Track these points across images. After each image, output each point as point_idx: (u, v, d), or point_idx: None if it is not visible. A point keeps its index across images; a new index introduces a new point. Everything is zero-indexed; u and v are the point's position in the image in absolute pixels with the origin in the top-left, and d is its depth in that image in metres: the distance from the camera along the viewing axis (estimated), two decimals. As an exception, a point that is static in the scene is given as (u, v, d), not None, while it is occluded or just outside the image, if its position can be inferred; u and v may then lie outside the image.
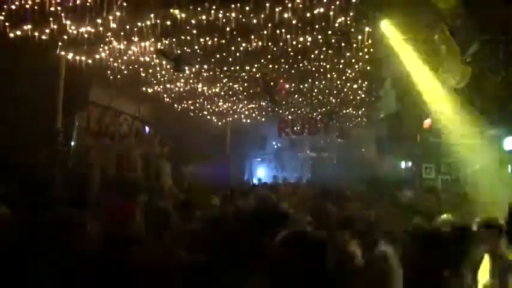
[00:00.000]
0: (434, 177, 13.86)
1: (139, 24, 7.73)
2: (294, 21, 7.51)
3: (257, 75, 11.18)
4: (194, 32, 8.08)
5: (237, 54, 9.22)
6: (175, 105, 14.68)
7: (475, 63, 7.90)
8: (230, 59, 9.67)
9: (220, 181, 13.73)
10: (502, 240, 4.25)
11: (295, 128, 17.38)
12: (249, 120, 17.36)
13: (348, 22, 7.52)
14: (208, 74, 11.23)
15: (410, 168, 15.63)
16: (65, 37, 8.10)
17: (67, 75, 9.53)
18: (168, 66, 10.29)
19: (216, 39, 8.47)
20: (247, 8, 7.16)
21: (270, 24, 7.67)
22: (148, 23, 7.66)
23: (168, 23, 7.66)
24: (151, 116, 15.13)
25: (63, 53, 9.04)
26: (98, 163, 10.58)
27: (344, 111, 15.78)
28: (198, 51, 9.03)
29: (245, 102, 14.59)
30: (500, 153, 10.19)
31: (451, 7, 7.10)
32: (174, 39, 8.58)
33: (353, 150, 19.35)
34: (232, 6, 7.14)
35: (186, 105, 14.82)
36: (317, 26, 7.77)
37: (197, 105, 14.85)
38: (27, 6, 6.83)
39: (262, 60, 9.95)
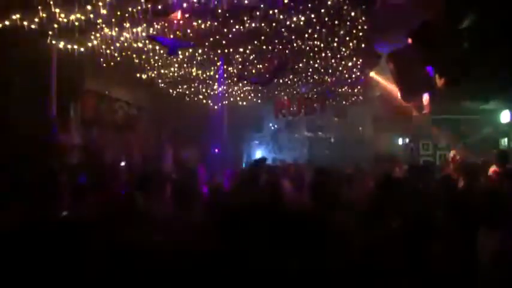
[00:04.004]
0: (432, 153, 13.92)
1: (130, 9, 7.63)
2: (286, 1, 7.43)
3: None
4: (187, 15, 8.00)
5: (230, 36, 9.14)
6: (171, 90, 14.61)
7: (471, 36, 7.86)
8: (224, 42, 9.60)
9: (220, 164, 13.77)
10: None
11: (291, 109, 17.32)
12: (245, 103, 17.31)
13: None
14: (202, 58, 11.14)
15: (408, 145, 15.68)
16: (55, 26, 8.01)
17: (60, 64, 9.44)
18: (162, 51, 10.21)
19: (208, 22, 8.38)
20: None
21: (262, 5, 7.58)
22: (139, 7, 7.56)
23: (160, 7, 7.57)
24: (147, 101, 15.06)
25: (54, 42, 8.95)
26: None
27: (340, 90, 15.71)
28: (191, 34, 8.94)
29: (240, 84, 14.50)
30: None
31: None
32: (166, 24, 8.47)
33: (350, 129, 19.38)
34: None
35: (181, 90, 14.75)
36: (309, 5, 7.69)
37: (192, 89, 14.79)
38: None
39: (256, 42, 9.86)
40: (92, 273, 2.79)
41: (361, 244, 3.31)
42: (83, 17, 7.70)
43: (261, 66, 11.95)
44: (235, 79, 13.46)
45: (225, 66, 12.07)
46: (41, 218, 3.26)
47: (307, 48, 10.37)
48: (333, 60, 11.71)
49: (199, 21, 8.37)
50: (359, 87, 15.24)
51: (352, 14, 8.18)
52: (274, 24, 8.53)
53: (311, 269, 2.49)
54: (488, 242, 3.74)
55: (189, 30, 8.70)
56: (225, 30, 8.88)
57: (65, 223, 3.16)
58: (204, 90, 15.06)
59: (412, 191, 5.49)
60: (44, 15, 7.46)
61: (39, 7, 7.20)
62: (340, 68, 12.59)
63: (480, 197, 4.53)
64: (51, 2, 7.08)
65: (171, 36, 9.03)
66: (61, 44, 9.10)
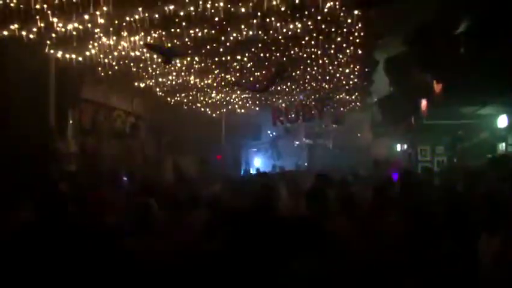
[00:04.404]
0: (430, 159, 13.94)
1: (127, 18, 7.66)
2: (282, 8, 7.46)
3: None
4: (183, 23, 8.02)
5: (228, 44, 9.17)
6: (169, 99, 14.64)
7: (468, 41, 7.89)
8: (221, 50, 9.63)
9: (217, 172, 13.80)
10: None
11: (289, 116, 17.35)
12: (243, 110, 17.34)
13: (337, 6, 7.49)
14: (200, 66, 11.16)
15: (406, 151, 15.70)
16: (53, 35, 8.04)
17: (58, 73, 9.46)
18: (159, 60, 10.22)
19: (205, 30, 8.40)
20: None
21: (259, 13, 7.61)
22: (136, 16, 7.58)
23: (157, 15, 7.60)
24: (145, 110, 15.09)
25: (52, 51, 8.98)
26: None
27: (338, 97, 15.75)
28: (189, 43, 8.97)
29: (238, 92, 14.53)
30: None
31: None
32: (163, 32, 8.50)
33: (349, 135, 19.42)
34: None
35: (179, 98, 14.78)
36: (306, 12, 7.73)
37: (190, 97, 14.81)
38: (13, 5, 6.75)
39: (254, 49, 9.89)
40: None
41: (361, 248, 3.32)
42: (80, 27, 7.73)
43: (258, 73, 11.98)
44: (233, 87, 13.49)
45: (222, 74, 12.10)
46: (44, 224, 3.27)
47: (305, 55, 10.40)
48: (330, 67, 11.75)
49: (197, 30, 8.40)
50: (357, 93, 15.29)
51: (349, 20, 8.21)
52: (271, 31, 8.56)
53: (309, 272, 2.49)
54: (489, 243, 3.75)
55: (186, 39, 8.73)
56: (223, 38, 8.91)
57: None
58: (202, 98, 15.08)
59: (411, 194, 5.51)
60: (42, 25, 7.49)
61: (38, 17, 7.23)
62: (338, 75, 12.63)
63: (480, 199, 4.54)
64: (49, 12, 7.10)
65: (169, 44, 9.07)
66: (59, 54, 9.13)
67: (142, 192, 5.94)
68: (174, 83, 12.72)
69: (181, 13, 7.58)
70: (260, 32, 8.62)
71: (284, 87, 13.95)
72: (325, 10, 7.62)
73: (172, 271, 3.08)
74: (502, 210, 4.03)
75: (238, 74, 12.06)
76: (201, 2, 7.21)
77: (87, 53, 9.25)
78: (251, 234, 2.96)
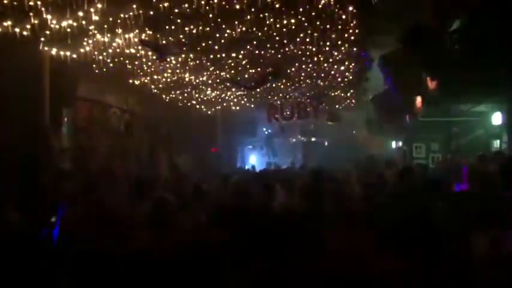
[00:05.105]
0: (425, 156, 14.00)
1: (122, 15, 7.63)
2: (277, 5, 7.45)
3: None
4: (178, 20, 8.00)
5: (222, 41, 9.15)
6: (164, 96, 14.60)
7: (461, 39, 7.92)
8: (216, 47, 9.61)
9: (213, 170, 13.81)
10: None
11: (284, 113, 17.33)
12: (238, 108, 17.32)
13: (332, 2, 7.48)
14: (195, 63, 11.14)
15: (401, 148, 15.76)
16: (47, 32, 7.99)
17: (52, 71, 9.40)
18: (154, 57, 10.19)
19: (200, 27, 8.38)
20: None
21: (253, 9, 7.60)
22: (131, 13, 7.55)
23: (152, 12, 7.57)
24: (140, 107, 15.04)
25: (46, 48, 8.92)
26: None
27: (333, 94, 15.76)
28: (183, 40, 8.95)
29: (233, 89, 14.51)
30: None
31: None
32: (157, 29, 8.47)
33: (344, 132, 19.46)
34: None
35: (174, 95, 14.74)
36: (301, 9, 7.72)
37: (185, 94, 14.78)
38: (6, 1, 6.70)
39: (248, 47, 9.87)
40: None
41: (353, 246, 3.32)
42: (75, 24, 7.69)
43: (253, 71, 11.96)
44: (227, 84, 13.46)
45: (217, 72, 12.08)
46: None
47: (299, 52, 10.39)
48: (325, 64, 11.74)
49: (191, 27, 8.38)
50: (352, 91, 15.30)
51: (343, 17, 8.19)
52: (265, 28, 8.54)
53: (304, 269, 2.49)
54: (481, 242, 3.76)
55: (181, 36, 8.70)
56: (217, 35, 8.89)
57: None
58: (197, 95, 15.05)
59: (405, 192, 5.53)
60: (36, 21, 7.44)
61: (31, 13, 7.18)
62: (333, 72, 12.63)
63: (474, 198, 4.56)
64: (43, 9, 7.06)
65: (163, 41, 9.04)
66: (53, 51, 9.08)
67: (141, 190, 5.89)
68: (169, 80, 12.69)
69: (176, 10, 7.56)
70: (255, 29, 8.61)
71: (279, 84, 13.94)
72: (320, 6, 7.62)
73: (176, 266, 3.07)
74: (493, 208, 4.05)
75: (233, 71, 12.03)
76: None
77: (82, 50, 9.21)
78: (246, 232, 2.97)
